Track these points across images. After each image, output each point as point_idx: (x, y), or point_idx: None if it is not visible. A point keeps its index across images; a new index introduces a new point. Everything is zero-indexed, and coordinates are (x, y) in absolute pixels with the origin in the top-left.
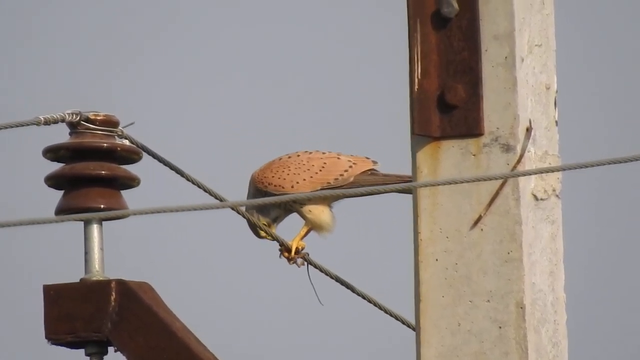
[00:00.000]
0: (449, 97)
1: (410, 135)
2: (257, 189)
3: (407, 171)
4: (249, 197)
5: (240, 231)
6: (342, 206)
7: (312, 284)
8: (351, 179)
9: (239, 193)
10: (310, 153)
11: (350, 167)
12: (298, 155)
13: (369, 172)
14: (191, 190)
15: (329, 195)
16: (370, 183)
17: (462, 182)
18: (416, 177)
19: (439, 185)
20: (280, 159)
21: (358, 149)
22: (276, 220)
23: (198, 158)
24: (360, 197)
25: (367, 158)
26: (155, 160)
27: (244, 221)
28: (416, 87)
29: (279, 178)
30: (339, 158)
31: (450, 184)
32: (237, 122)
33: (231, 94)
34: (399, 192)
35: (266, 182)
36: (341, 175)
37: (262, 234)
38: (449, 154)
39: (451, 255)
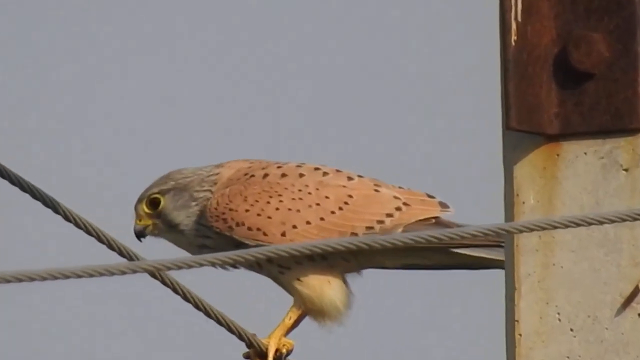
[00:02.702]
0: (578, 57)
1: (502, 133)
2: (207, 226)
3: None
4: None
5: None
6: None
7: None
8: (399, 231)
9: None
10: (325, 174)
11: (399, 208)
12: (301, 175)
13: (432, 222)
14: None
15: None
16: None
17: (603, 224)
18: (512, 213)
19: (556, 228)
20: (254, 175)
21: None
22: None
23: None
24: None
25: (430, 197)
26: None
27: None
28: (513, 38)
29: (259, 215)
30: (377, 190)
31: (580, 226)
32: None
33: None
34: (487, 267)
35: (230, 219)
36: (380, 222)
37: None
38: (578, 167)
39: None
